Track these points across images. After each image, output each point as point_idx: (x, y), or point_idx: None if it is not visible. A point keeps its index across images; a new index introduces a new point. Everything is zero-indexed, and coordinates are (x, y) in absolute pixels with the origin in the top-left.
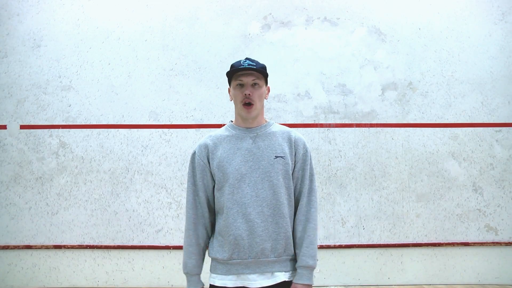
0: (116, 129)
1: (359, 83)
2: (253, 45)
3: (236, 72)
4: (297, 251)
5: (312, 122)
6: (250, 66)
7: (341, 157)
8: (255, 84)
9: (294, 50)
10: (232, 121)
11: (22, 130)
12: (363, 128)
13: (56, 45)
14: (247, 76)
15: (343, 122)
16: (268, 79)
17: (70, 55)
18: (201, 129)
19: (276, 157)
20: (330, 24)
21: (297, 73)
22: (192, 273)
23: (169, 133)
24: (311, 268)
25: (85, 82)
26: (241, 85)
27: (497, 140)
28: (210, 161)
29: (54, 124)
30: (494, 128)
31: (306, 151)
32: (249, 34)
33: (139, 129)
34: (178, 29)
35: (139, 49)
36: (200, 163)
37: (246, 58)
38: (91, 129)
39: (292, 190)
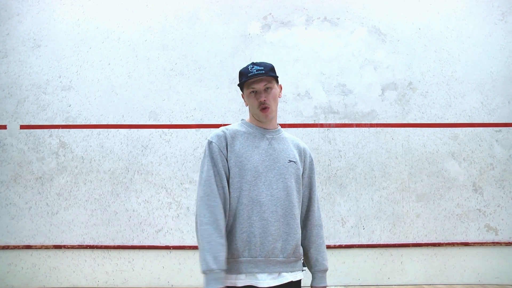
0: (116, 129)
1: (359, 83)
2: (253, 45)
3: (247, 80)
4: (313, 255)
5: (312, 122)
6: (259, 72)
7: (341, 157)
8: (267, 88)
9: (294, 50)
10: (244, 119)
11: (22, 130)
12: (363, 128)
13: (56, 45)
14: (258, 83)
15: (343, 122)
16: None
17: (70, 55)
18: (201, 129)
19: (290, 161)
20: (330, 24)
21: (297, 73)
22: (223, 268)
23: (169, 133)
24: (327, 270)
25: (85, 82)
26: (255, 92)
27: (497, 140)
28: (228, 153)
29: (54, 124)
30: (494, 128)
31: (312, 160)
32: (249, 34)
33: (139, 129)
34: (178, 29)
35: (139, 49)
36: (220, 153)
37: (253, 64)
38: (91, 129)
39: (301, 194)
